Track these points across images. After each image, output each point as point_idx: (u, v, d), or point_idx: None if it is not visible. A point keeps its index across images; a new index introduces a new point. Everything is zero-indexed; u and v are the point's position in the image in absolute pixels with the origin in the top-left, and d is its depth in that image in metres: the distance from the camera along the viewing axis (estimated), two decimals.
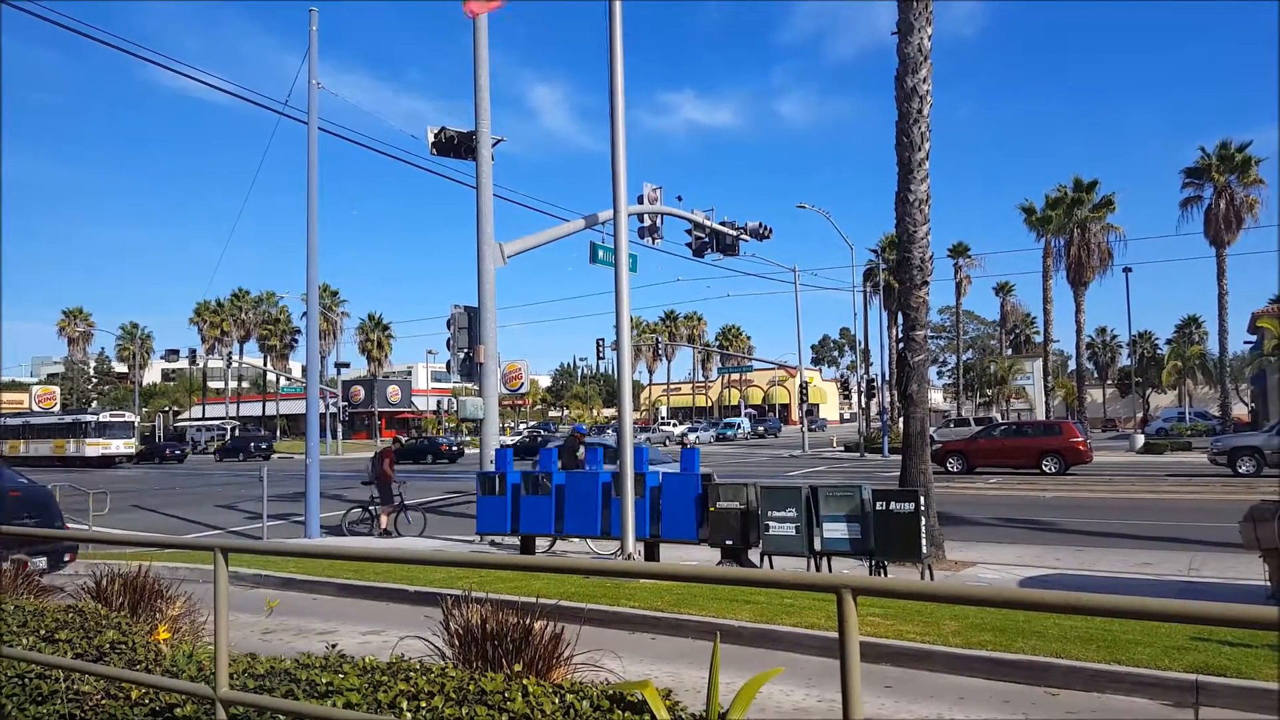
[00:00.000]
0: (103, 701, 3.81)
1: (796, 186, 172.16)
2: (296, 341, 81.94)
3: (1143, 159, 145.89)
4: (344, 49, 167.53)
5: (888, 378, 51.21)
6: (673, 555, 12.28)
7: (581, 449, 16.73)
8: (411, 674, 3.47)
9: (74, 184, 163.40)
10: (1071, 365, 73.62)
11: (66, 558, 11.00)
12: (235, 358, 76.64)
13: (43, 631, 4.49)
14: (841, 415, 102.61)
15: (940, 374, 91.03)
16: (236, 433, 75.12)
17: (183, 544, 13.65)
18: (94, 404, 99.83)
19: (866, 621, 7.16)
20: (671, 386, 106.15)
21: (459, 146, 16.70)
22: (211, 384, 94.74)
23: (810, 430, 48.49)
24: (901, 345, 12.74)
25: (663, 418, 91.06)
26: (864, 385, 49.56)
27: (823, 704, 5.72)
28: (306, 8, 16.99)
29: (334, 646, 4.05)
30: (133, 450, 53.87)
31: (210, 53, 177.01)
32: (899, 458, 12.98)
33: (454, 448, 48.58)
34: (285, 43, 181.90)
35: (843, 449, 46.51)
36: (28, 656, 4.05)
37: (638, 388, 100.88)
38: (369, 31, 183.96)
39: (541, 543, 13.41)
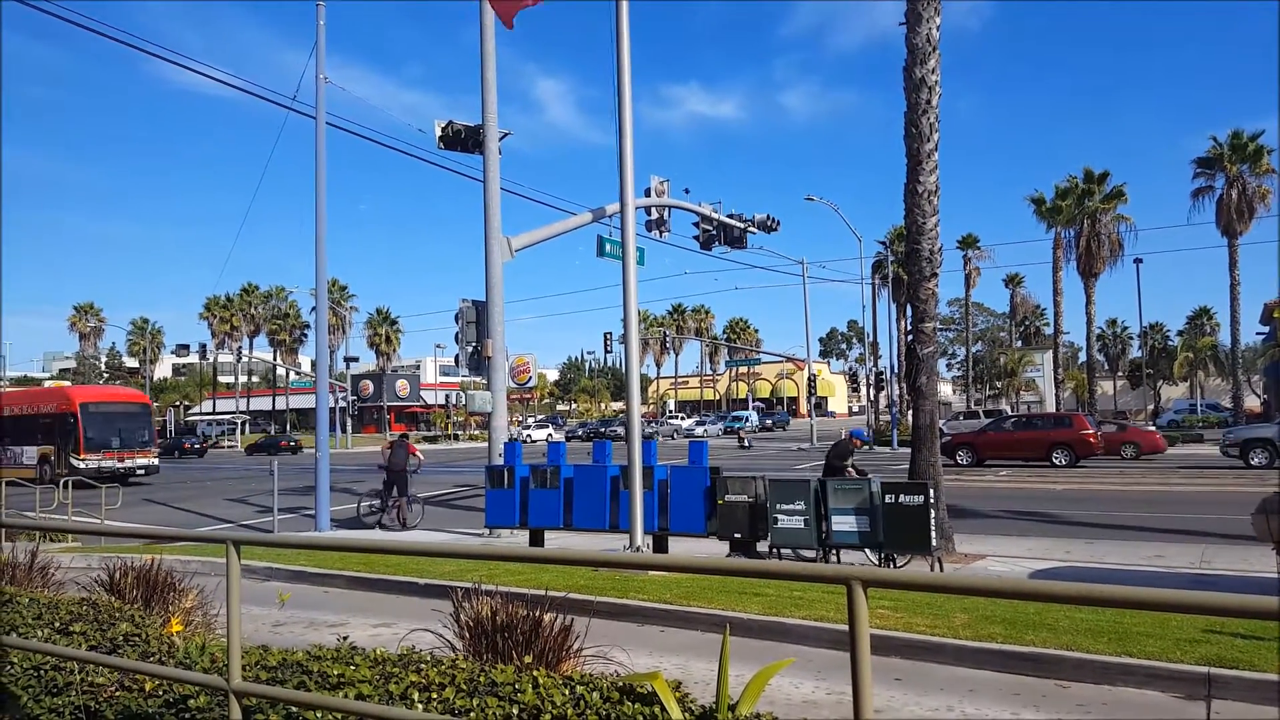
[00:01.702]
0: (117, 693, 3.84)
1: (804, 179, 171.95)
2: (305, 336, 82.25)
3: (1153, 149, 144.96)
4: (349, 45, 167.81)
5: (896, 370, 51.00)
6: (680, 549, 12.28)
7: (853, 456, 13.28)
8: (422, 666, 3.49)
9: (83, 180, 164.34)
10: (1082, 357, 73.25)
11: None
12: (245, 352, 76.90)
13: (57, 624, 4.52)
14: (850, 408, 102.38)
15: (949, 366, 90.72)
16: (247, 428, 75.54)
17: (195, 537, 13.65)
18: None
19: (876, 614, 7.16)
20: (679, 380, 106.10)
21: (466, 140, 16.70)
22: (221, 378, 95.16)
23: (772, 429, 48.47)
24: (910, 337, 12.69)
25: (670, 411, 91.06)
26: (872, 378, 49.44)
27: (832, 696, 5.73)
28: (312, 4, 17.02)
29: (345, 639, 4.07)
30: None
31: (215, 50, 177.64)
32: (908, 450, 12.94)
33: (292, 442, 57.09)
34: (290, 40, 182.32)
35: None
36: (43, 649, 4.08)
37: (645, 381, 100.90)
38: (374, 28, 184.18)
39: (551, 535, 13.45)
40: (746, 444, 44.40)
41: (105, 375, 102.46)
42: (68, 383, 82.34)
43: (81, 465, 29.13)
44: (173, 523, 19.71)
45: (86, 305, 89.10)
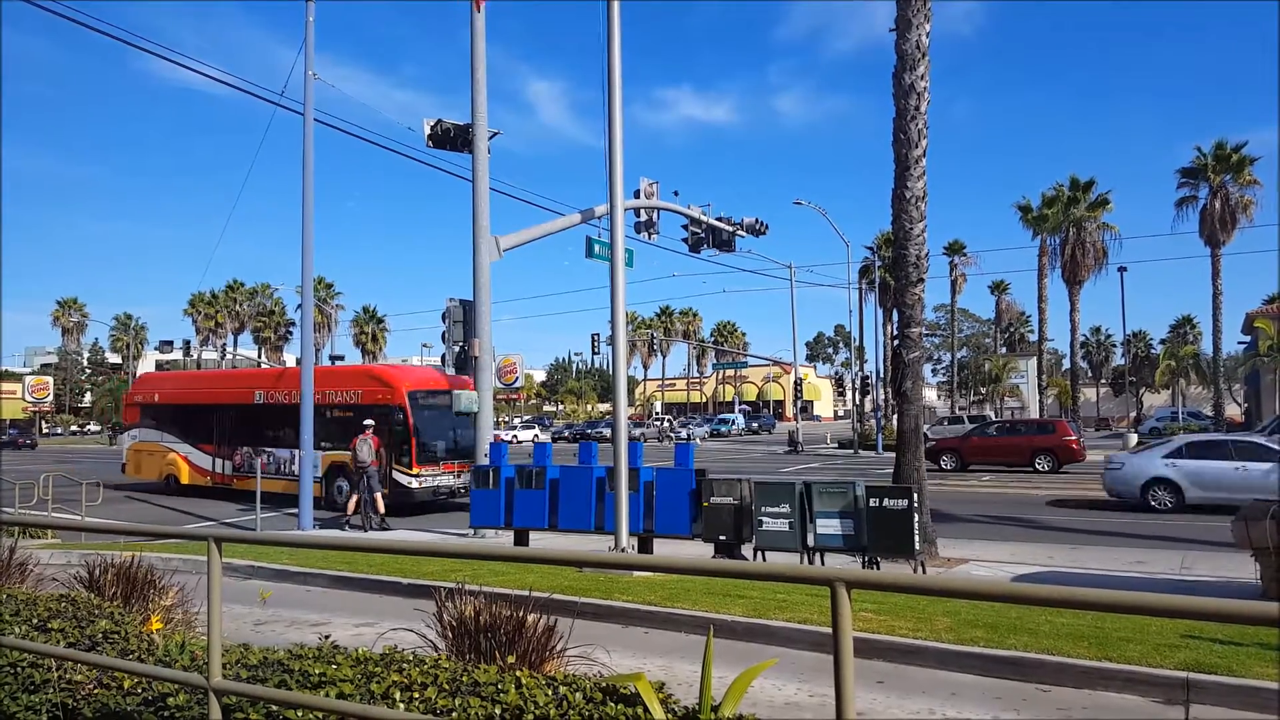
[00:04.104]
0: (95, 691, 3.80)
1: (793, 183, 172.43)
2: (291, 334, 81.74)
3: (1138, 158, 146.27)
4: (340, 43, 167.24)
5: (882, 375, 51.21)
6: (665, 551, 12.28)
7: None
8: (405, 665, 3.47)
9: (68, 175, 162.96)
10: (1066, 364, 73.83)
11: None
12: (229, 349, 76.30)
13: (35, 621, 4.48)
14: (836, 412, 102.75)
15: (935, 372, 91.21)
16: None
17: (176, 534, 13.55)
18: (88, 395, 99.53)
19: (859, 617, 7.18)
20: (666, 382, 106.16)
21: (455, 139, 16.65)
22: None
23: (758, 432, 47.77)
24: (896, 342, 12.75)
25: (657, 413, 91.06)
26: (858, 382, 49.64)
27: (815, 699, 5.74)
28: (302, 1, 16.89)
29: (327, 638, 4.05)
30: None
31: (205, 46, 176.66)
32: (893, 454, 13.01)
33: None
34: (280, 37, 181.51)
35: (837, 445, 46.60)
36: (20, 645, 4.04)
37: (632, 383, 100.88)
38: (365, 25, 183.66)
39: (536, 536, 13.42)
40: (800, 449, 43.48)
41: (88, 371, 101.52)
42: (49, 378, 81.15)
43: (415, 484, 19.36)
44: (155, 519, 19.54)
45: (70, 300, 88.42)
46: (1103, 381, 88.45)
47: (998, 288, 72.40)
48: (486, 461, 14.56)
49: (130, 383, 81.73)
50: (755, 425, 74.70)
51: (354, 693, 3.24)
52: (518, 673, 3.28)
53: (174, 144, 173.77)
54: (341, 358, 72.95)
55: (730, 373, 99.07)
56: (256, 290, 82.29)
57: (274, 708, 3.28)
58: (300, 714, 3.24)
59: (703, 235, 24.26)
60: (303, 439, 17.20)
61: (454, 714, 3.07)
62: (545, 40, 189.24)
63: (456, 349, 16.32)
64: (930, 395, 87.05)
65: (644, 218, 21.96)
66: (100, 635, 4.25)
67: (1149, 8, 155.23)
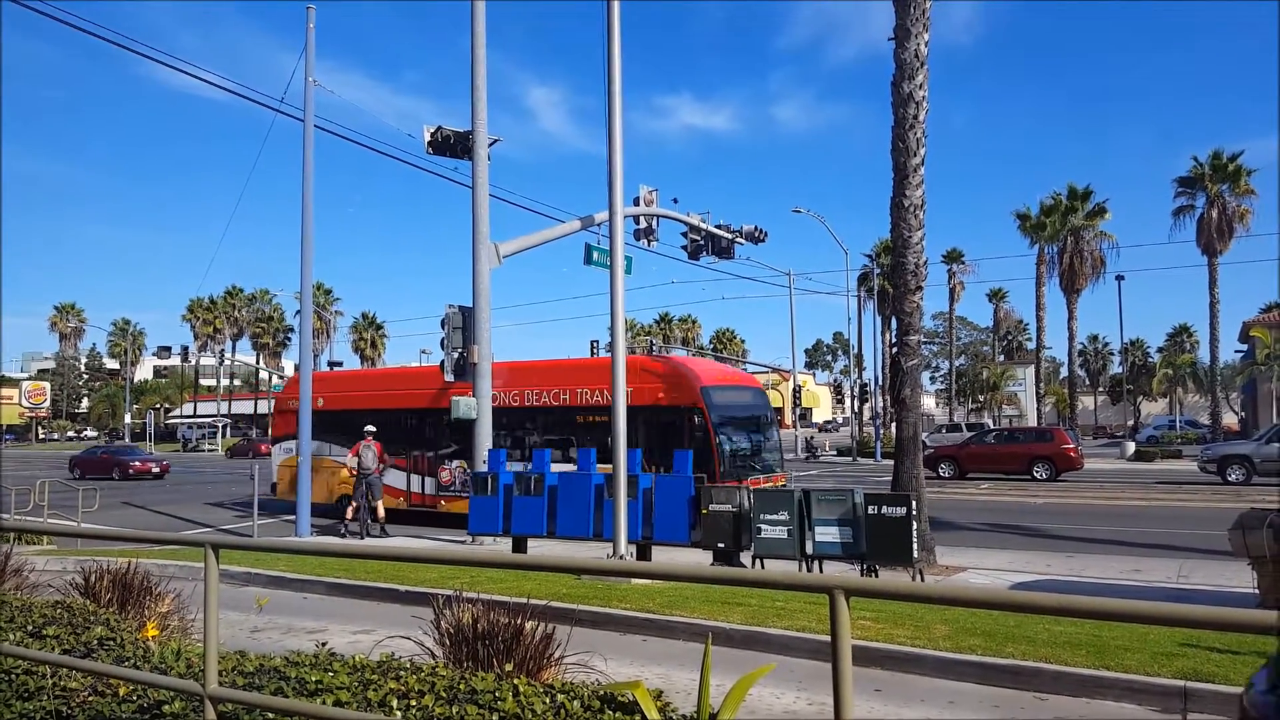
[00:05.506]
0: (90, 698, 3.79)
1: (792, 191, 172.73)
2: (289, 340, 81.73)
3: (1136, 168, 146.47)
4: (340, 48, 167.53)
5: (880, 382, 51.27)
6: (663, 558, 12.27)
7: None
8: (402, 673, 3.46)
9: (67, 179, 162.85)
10: (1064, 372, 73.92)
11: None
12: (228, 355, 76.39)
13: (30, 627, 4.46)
14: (834, 419, 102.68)
15: (933, 379, 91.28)
16: (228, 431, 75.07)
17: (173, 540, 13.52)
18: (85, 400, 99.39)
19: (857, 625, 7.17)
20: None
21: (455, 146, 16.67)
22: (203, 381, 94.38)
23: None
24: (895, 350, 12.76)
25: None
26: (857, 390, 49.66)
27: (813, 707, 5.73)
28: (303, 6, 16.95)
29: (324, 645, 4.03)
30: None
31: (205, 50, 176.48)
32: (891, 462, 13.02)
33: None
34: (281, 41, 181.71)
35: (835, 453, 46.60)
36: (15, 652, 4.03)
37: None
38: (365, 31, 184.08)
39: (534, 544, 13.39)
40: (818, 455, 44.16)
41: (85, 376, 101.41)
42: (46, 384, 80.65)
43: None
44: (151, 526, 19.50)
45: (68, 305, 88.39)
46: (1100, 390, 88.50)
47: (996, 296, 72.55)
48: (485, 468, 14.54)
49: (127, 388, 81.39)
50: None
51: (351, 700, 3.23)
52: (515, 681, 3.27)
53: (173, 148, 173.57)
54: (340, 363, 73.01)
55: None
56: (255, 296, 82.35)
57: (270, 715, 3.27)
58: None
59: (702, 242, 24.27)
60: (300, 445, 17.18)
61: None
62: (546, 46, 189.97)
63: (455, 355, 16.30)
64: (929, 403, 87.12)
65: (643, 225, 21.99)
66: (95, 642, 4.24)
67: (1147, 15, 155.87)
